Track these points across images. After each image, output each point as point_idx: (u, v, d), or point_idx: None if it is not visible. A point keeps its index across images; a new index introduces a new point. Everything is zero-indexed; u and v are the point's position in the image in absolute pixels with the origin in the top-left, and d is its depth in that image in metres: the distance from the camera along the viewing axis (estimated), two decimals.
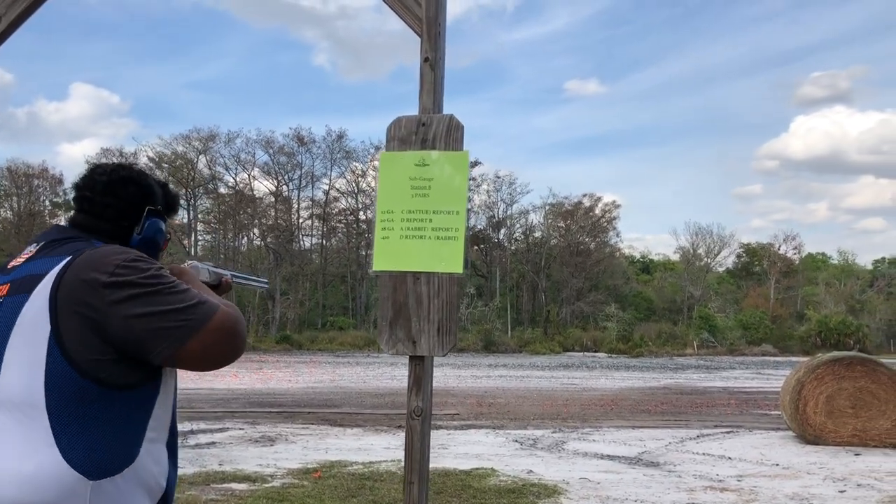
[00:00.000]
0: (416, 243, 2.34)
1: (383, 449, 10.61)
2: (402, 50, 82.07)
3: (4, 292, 1.66)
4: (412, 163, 2.37)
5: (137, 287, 1.58)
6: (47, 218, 54.75)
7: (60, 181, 57.35)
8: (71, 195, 1.89)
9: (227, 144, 59.45)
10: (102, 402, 1.58)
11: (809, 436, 11.83)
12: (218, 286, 2.18)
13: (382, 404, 16.60)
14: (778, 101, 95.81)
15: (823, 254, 75.13)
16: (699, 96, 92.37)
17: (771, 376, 29.31)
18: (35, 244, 1.75)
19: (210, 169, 60.20)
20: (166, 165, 56.49)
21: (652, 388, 23.20)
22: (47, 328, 1.56)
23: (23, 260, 1.72)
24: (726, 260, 69.58)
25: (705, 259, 67.34)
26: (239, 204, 59.48)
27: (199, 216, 60.89)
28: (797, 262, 67.49)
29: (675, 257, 69.88)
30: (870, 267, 72.14)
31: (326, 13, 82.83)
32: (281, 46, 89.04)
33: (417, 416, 2.29)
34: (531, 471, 8.93)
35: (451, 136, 2.35)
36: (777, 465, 9.80)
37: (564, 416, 15.00)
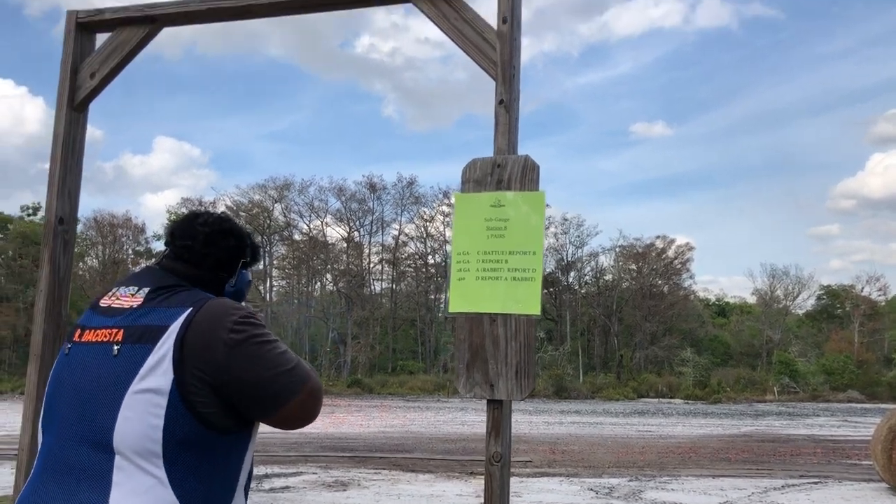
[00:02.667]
0: (492, 284, 2.31)
1: (456, 496, 10.46)
2: (466, 98, 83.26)
3: (119, 338, 1.69)
4: (487, 203, 2.36)
5: (252, 346, 1.67)
6: (130, 265, 56.82)
7: (143, 230, 59.68)
8: (167, 241, 1.92)
9: (301, 192, 61.05)
10: (213, 448, 1.66)
11: None
12: None
13: (454, 450, 16.43)
14: (851, 140, 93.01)
15: None
16: (769, 136, 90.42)
17: (859, 424, 27.90)
18: (135, 287, 1.77)
19: (285, 216, 61.78)
20: (244, 214, 58.19)
21: (732, 435, 22.35)
22: (170, 378, 1.61)
23: (127, 305, 1.74)
24: (805, 302, 67.12)
25: (783, 301, 65.10)
26: (312, 250, 60.69)
27: (275, 262, 62.30)
28: (882, 304, 64.54)
29: (752, 300, 67.79)
30: None
31: (394, 66, 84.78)
32: (351, 98, 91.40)
33: (496, 461, 2.24)
34: None
35: (527, 176, 2.34)
36: None
37: (641, 465, 14.55)
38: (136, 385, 1.63)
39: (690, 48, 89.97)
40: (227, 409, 1.66)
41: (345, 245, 62.23)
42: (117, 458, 1.64)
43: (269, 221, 59.95)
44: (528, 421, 26.59)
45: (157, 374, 1.62)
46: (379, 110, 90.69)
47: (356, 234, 62.91)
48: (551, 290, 61.51)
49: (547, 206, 2.35)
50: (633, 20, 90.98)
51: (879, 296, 64.82)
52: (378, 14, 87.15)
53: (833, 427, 26.54)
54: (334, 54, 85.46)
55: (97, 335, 1.72)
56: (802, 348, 57.12)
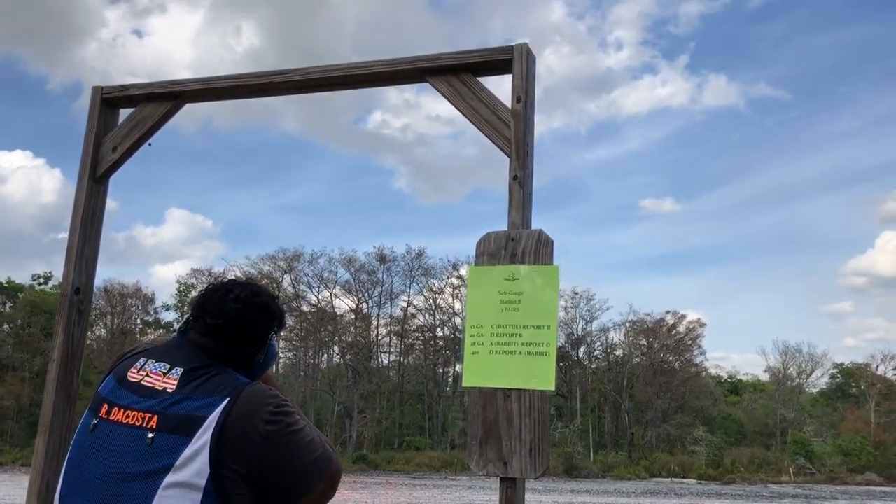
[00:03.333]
0: (506, 359, 2.30)
1: None
2: (476, 173, 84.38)
3: (153, 425, 1.64)
4: (502, 277, 2.37)
5: (286, 436, 1.66)
6: (138, 336, 56.77)
7: (152, 300, 59.89)
8: (196, 314, 1.85)
9: (311, 264, 61.36)
10: None
11: None
12: None
13: None
14: (861, 218, 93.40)
15: None
16: (779, 213, 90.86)
17: None
18: (167, 366, 1.73)
19: (294, 287, 61.91)
20: None
21: None
22: (207, 472, 1.58)
23: (160, 386, 1.70)
24: (819, 381, 66.10)
25: (797, 380, 64.16)
26: (320, 321, 60.55)
27: (282, 334, 62.15)
28: None
29: (765, 377, 66.83)
30: None
31: (405, 141, 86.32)
32: (363, 171, 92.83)
33: None
34: None
35: (541, 250, 2.35)
36: None
37: None
38: (171, 477, 1.58)
39: (698, 126, 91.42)
40: (258, 497, 1.65)
41: (353, 317, 62.10)
42: None
43: (277, 292, 59.98)
44: (538, 500, 25.96)
45: (193, 467, 1.58)
46: (390, 184, 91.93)
47: (364, 305, 62.90)
48: (561, 364, 60.85)
49: None
50: (641, 99, 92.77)
51: (895, 375, 63.86)
52: (391, 92, 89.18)
53: None
54: (347, 129, 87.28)
55: (128, 416, 1.67)
56: (818, 428, 55.98)
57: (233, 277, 2.00)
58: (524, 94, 2.51)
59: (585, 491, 33.99)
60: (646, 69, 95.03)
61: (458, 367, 62.80)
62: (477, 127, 2.56)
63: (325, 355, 63.41)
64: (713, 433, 54.72)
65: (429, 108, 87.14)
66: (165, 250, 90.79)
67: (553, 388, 2.25)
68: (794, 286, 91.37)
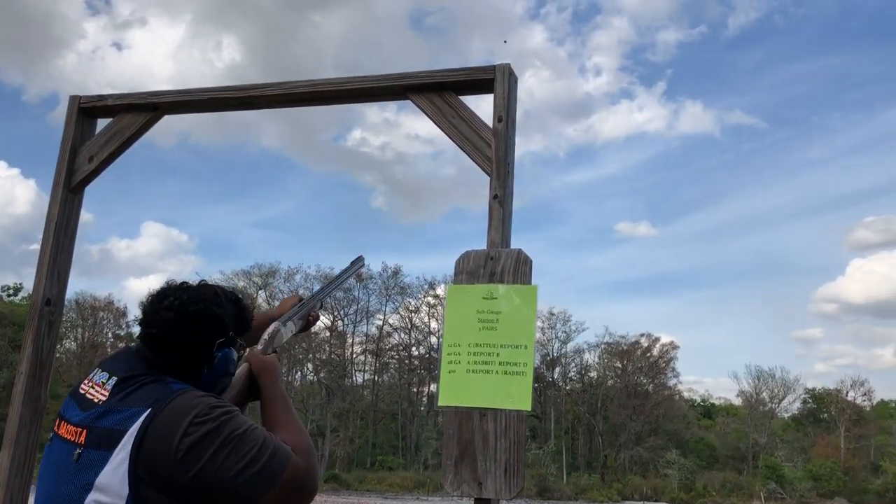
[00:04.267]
0: (482, 378, 2.28)
1: None
2: (454, 193, 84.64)
3: (82, 440, 1.58)
4: (480, 296, 2.36)
5: (208, 447, 1.51)
6: (109, 349, 55.94)
7: (124, 314, 59.09)
8: (137, 326, 1.79)
9: (287, 280, 61.00)
10: None
11: None
12: (306, 325, 2.18)
13: None
14: (832, 245, 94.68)
15: None
16: (752, 239, 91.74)
17: None
18: (107, 375, 1.67)
19: (269, 303, 61.37)
20: None
21: None
22: (126, 492, 1.50)
23: (96, 396, 1.64)
24: (791, 405, 66.60)
25: (769, 404, 64.60)
26: (294, 338, 60.08)
27: None
28: (868, 410, 64.15)
29: (737, 401, 67.22)
30: None
31: (384, 159, 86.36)
32: (341, 189, 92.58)
33: None
34: None
35: (520, 269, 2.35)
36: None
37: None
38: (93, 496, 1.52)
39: (675, 152, 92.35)
40: None
41: (328, 334, 61.73)
42: None
43: (252, 309, 59.59)
44: None
45: (114, 486, 1.50)
46: (368, 201, 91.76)
47: (340, 322, 62.55)
48: (537, 385, 60.84)
49: None
50: (619, 124, 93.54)
51: (864, 401, 64.56)
52: (371, 110, 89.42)
53: None
54: (326, 147, 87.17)
55: (67, 431, 1.62)
56: (789, 453, 56.35)
57: (181, 282, 1.83)
58: (505, 113, 2.52)
59: None
60: (624, 95, 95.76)
61: (432, 387, 62.59)
62: (458, 145, 2.56)
63: (299, 373, 62.87)
64: (686, 456, 54.87)
65: (408, 126, 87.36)
66: (140, 264, 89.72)
67: (529, 408, 2.24)
68: (767, 312, 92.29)
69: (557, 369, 63.48)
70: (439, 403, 2.31)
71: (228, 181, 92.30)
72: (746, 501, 48.61)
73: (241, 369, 1.94)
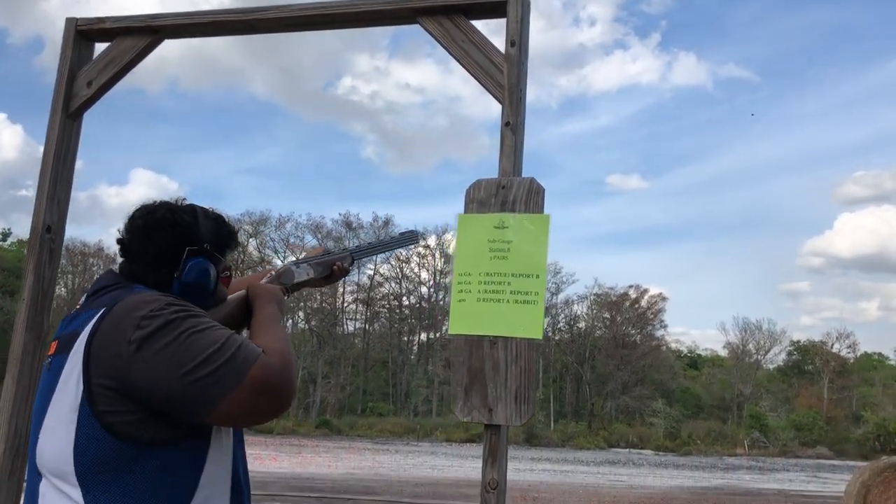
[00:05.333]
0: (493, 307, 2.26)
1: None
2: (445, 144, 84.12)
3: (53, 350, 1.59)
4: (491, 225, 2.32)
5: (162, 338, 1.45)
6: None
7: (114, 260, 58.75)
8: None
9: (278, 228, 60.85)
10: (137, 462, 1.46)
11: None
12: (329, 275, 2.11)
13: (423, 493, 16.15)
14: (821, 199, 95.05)
15: (880, 354, 72.50)
16: (742, 192, 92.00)
17: (828, 480, 27.90)
18: (86, 294, 1.69)
19: (260, 252, 61.34)
20: None
21: (703, 487, 22.23)
22: (80, 389, 1.46)
23: (75, 311, 1.66)
24: (777, 357, 67.59)
25: (755, 355, 65.50)
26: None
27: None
28: (852, 362, 65.17)
29: (724, 353, 68.10)
30: None
31: (374, 108, 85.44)
32: (331, 138, 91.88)
33: (493, 488, 2.17)
34: None
35: (532, 199, 2.31)
36: None
37: None
38: (54, 400, 1.51)
39: (667, 104, 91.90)
40: (152, 418, 1.45)
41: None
42: (42, 481, 1.52)
43: (243, 256, 59.49)
44: None
45: (69, 386, 1.48)
46: (358, 151, 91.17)
47: None
48: None
49: None
50: (611, 75, 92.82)
51: (849, 353, 65.56)
52: (360, 57, 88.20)
53: (803, 482, 26.53)
54: (315, 95, 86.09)
55: (52, 347, 1.62)
56: (773, 403, 57.36)
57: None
58: (518, 37, 2.45)
59: (546, 459, 34.50)
60: (618, 46, 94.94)
61: (423, 336, 63.08)
62: (468, 71, 2.49)
63: (290, 321, 63.16)
64: (671, 406, 55.79)
65: (399, 75, 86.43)
66: (129, 210, 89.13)
67: (541, 337, 2.22)
68: (755, 265, 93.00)
69: (547, 319, 63.97)
70: (450, 332, 2.29)
71: (217, 128, 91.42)
72: (730, 450, 49.60)
73: (236, 294, 1.90)
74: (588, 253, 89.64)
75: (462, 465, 26.20)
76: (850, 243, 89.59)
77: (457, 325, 2.31)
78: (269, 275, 2.06)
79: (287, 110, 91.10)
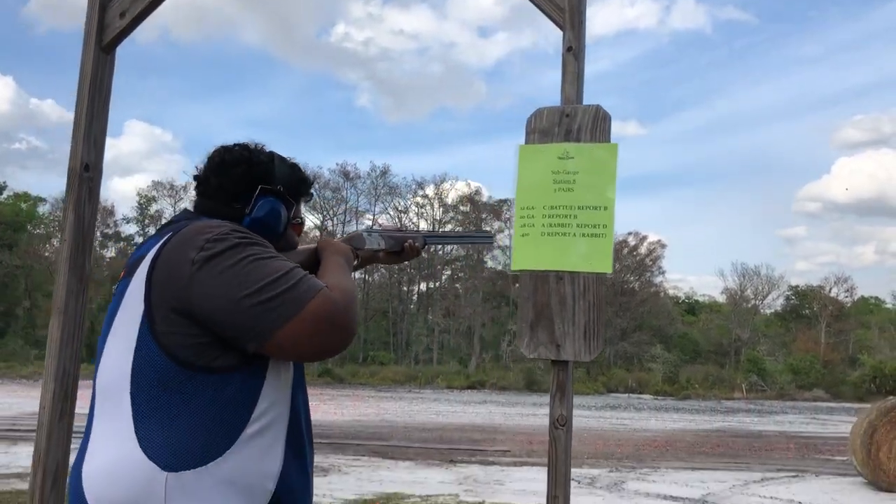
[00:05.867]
0: (559, 241, 2.19)
1: (438, 483, 10.38)
2: (440, 91, 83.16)
3: (122, 276, 1.62)
4: (555, 156, 2.23)
5: (224, 260, 1.46)
6: (98, 249, 55.80)
7: (111, 213, 58.58)
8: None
9: None
10: (190, 386, 1.45)
11: (883, 482, 11.29)
12: (400, 252, 2.09)
13: (431, 438, 16.35)
14: (819, 144, 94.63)
15: (877, 298, 73.07)
16: (741, 138, 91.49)
17: (826, 421, 28.33)
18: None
19: None
20: None
21: (705, 430, 22.54)
22: (141, 308, 1.48)
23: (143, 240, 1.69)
24: (775, 302, 68.01)
25: (753, 301, 65.91)
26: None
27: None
28: (849, 306, 65.65)
29: (721, 298, 68.53)
30: None
31: (368, 56, 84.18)
32: (325, 87, 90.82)
33: (561, 425, 2.13)
34: None
35: (598, 127, 2.22)
36: None
37: (619, 456, 14.59)
38: (117, 320, 1.52)
39: (666, 49, 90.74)
40: (209, 343, 1.46)
41: (318, 233, 61.77)
42: (99, 399, 1.54)
43: None
44: (503, 412, 26.58)
45: (131, 306, 1.50)
46: (353, 100, 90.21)
47: (329, 222, 62.48)
48: None
49: None
50: (609, 20, 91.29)
51: (846, 297, 65.97)
52: (354, 4, 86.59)
53: (802, 424, 26.91)
54: (308, 43, 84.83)
55: (121, 275, 1.64)
56: (770, 347, 57.92)
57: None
58: None
59: (546, 404, 34.90)
60: None
61: (422, 286, 63.30)
62: None
63: None
64: (670, 351, 56.32)
65: (393, 21, 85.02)
66: (124, 163, 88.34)
67: (610, 271, 2.15)
68: (752, 210, 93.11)
69: None
70: (513, 268, 2.22)
71: (210, 79, 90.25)
72: (728, 394, 50.25)
73: (307, 246, 1.91)
74: None
75: (465, 410, 26.48)
76: (847, 187, 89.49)
77: (520, 260, 2.23)
78: (340, 237, 2.06)
79: (280, 59, 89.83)
